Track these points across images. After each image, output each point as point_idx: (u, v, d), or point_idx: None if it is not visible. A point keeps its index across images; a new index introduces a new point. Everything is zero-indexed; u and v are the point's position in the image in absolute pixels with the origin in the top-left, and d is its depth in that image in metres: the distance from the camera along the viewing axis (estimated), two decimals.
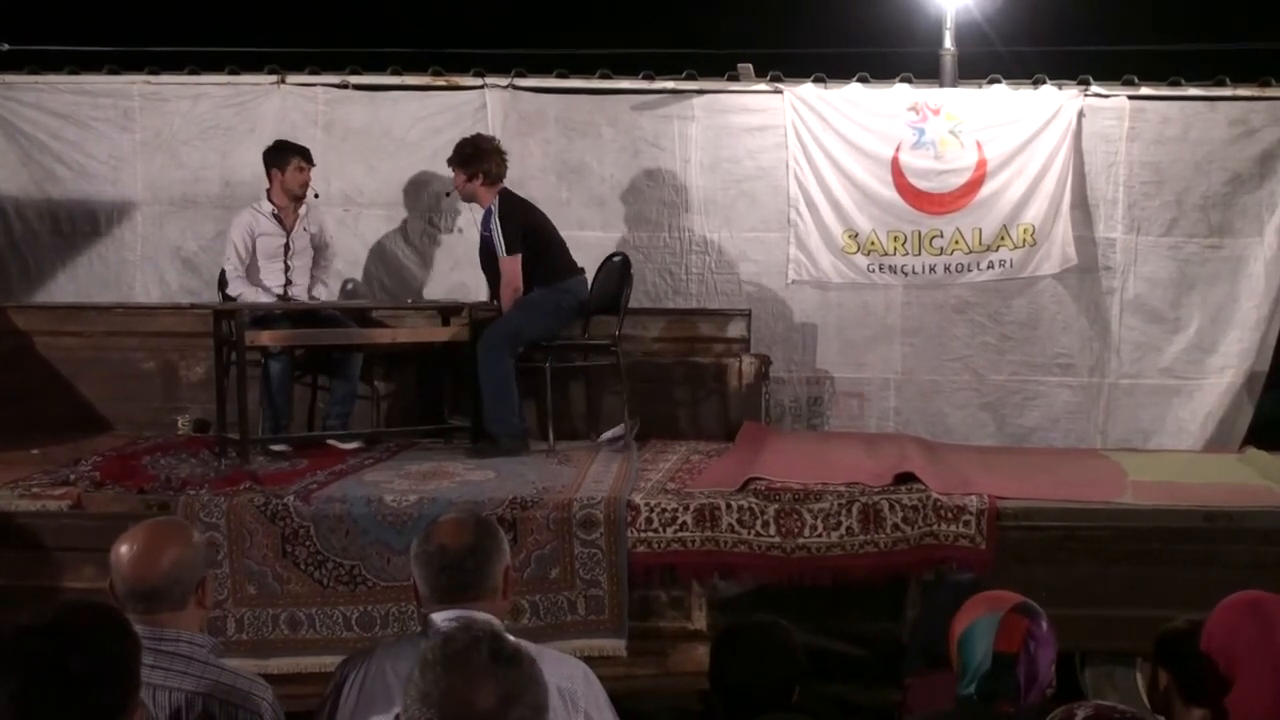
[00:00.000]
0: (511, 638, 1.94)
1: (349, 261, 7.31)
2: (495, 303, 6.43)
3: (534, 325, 6.04)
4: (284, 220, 6.32)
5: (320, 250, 6.52)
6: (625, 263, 6.49)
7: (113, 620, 2.05)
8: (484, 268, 6.38)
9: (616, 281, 6.40)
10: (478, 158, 6.15)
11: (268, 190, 6.35)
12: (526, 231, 6.11)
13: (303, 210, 6.39)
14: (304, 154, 6.35)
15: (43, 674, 1.89)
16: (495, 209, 6.09)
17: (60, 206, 7.39)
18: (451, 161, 6.23)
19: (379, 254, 7.41)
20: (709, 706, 3.32)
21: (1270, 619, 2.68)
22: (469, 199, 6.32)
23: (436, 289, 7.38)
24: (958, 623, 2.69)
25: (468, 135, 6.37)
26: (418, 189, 7.37)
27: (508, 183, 7.02)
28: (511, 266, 6.03)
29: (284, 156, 6.29)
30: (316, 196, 6.48)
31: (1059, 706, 2.19)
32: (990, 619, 2.64)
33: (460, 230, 7.38)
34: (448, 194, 6.47)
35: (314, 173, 6.81)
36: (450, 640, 1.87)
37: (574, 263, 6.27)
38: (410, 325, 6.65)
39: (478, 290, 7.29)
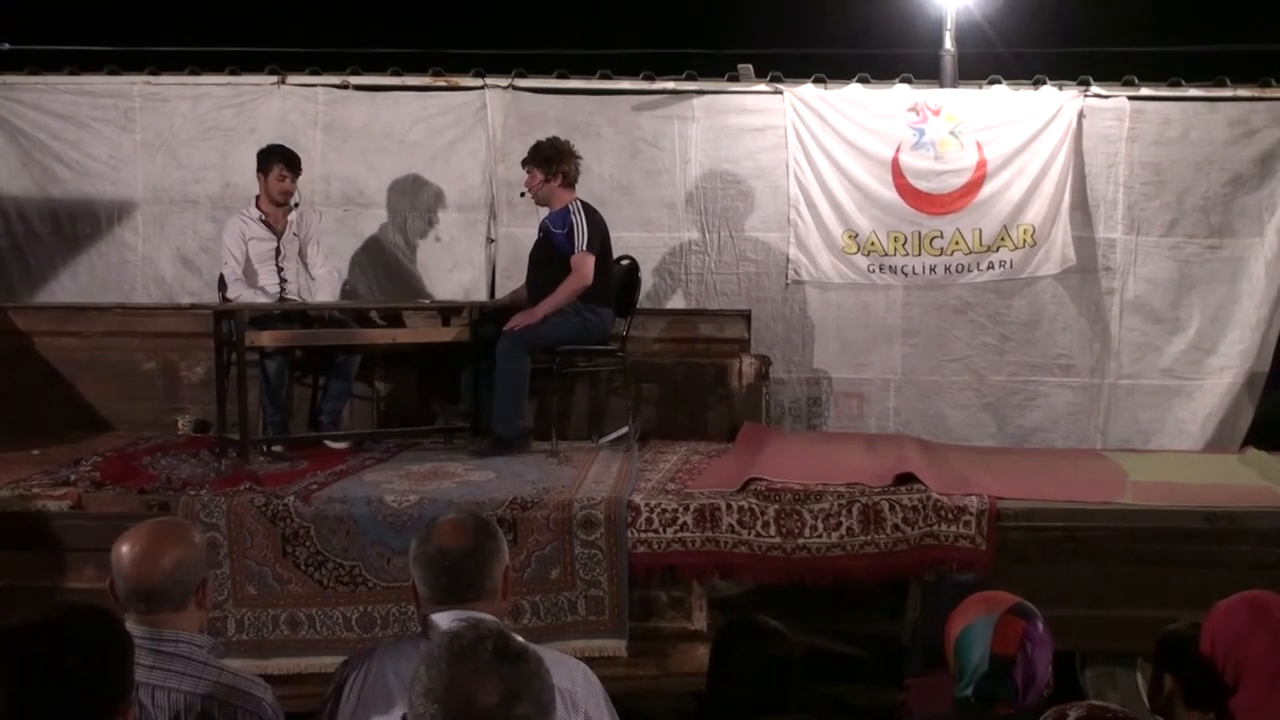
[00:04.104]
0: (518, 637, 1.94)
1: (348, 262, 7.32)
2: (492, 300, 6.41)
3: (559, 340, 6.03)
4: (273, 225, 6.31)
5: (305, 249, 6.47)
6: (634, 267, 6.49)
7: (105, 620, 2.06)
8: (534, 266, 6.27)
9: (624, 285, 6.39)
10: (558, 158, 6.11)
11: (257, 196, 6.34)
12: (602, 242, 6.10)
13: (293, 216, 6.38)
14: (288, 160, 6.30)
15: (36, 674, 1.91)
16: (579, 209, 6.05)
17: (61, 206, 7.39)
18: (529, 162, 6.16)
19: (379, 254, 7.41)
20: (705, 709, 3.32)
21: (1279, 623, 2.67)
22: (543, 201, 6.22)
23: (436, 289, 7.38)
24: (954, 625, 2.68)
25: (542, 138, 6.27)
26: (418, 189, 7.38)
27: (511, 183, 7.05)
28: (588, 263, 5.98)
29: (269, 162, 6.29)
30: (296, 205, 6.45)
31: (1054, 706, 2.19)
32: (986, 621, 2.63)
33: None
34: (522, 194, 6.39)
35: (314, 173, 6.82)
36: (456, 636, 1.87)
37: (612, 295, 6.24)
38: (410, 325, 6.65)
39: (476, 290, 7.32)
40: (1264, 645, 2.62)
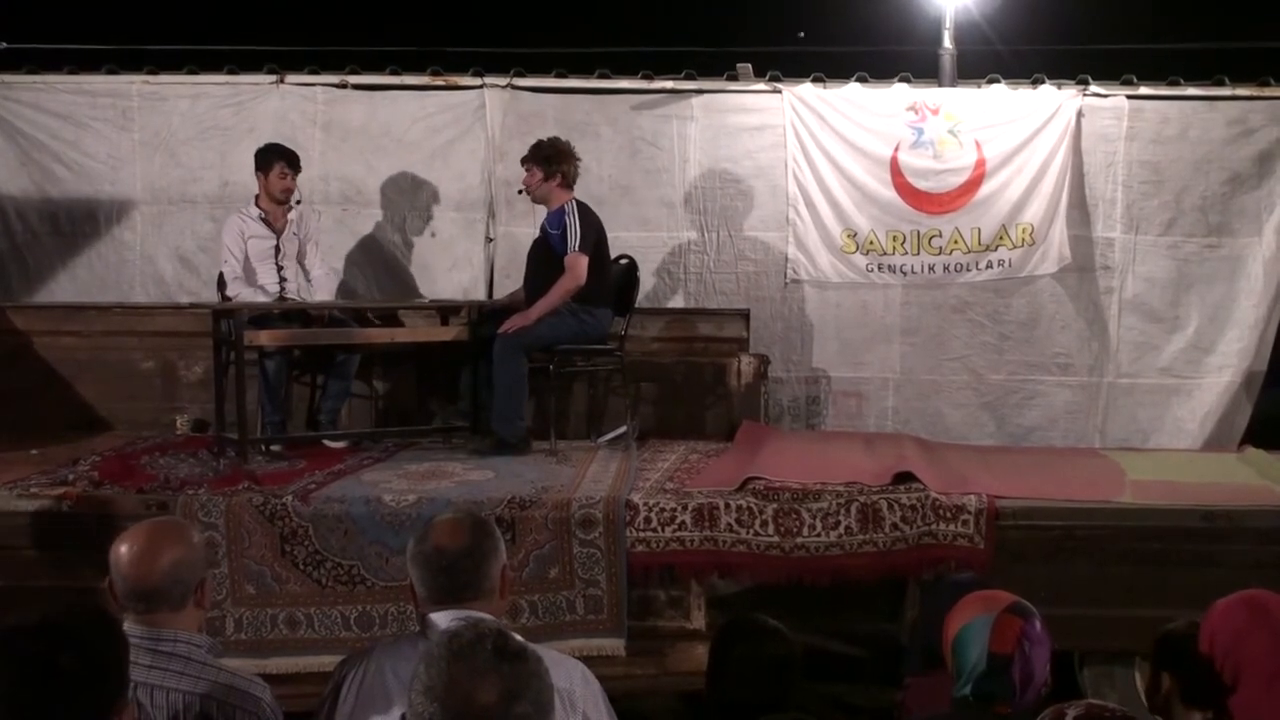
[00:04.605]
0: (518, 636, 1.94)
1: (347, 261, 7.32)
2: (491, 300, 6.41)
3: (555, 341, 6.03)
4: (272, 223, 6.31)
5: (304, 249, 6.46)
6: (632, 266, 6.49)
7: (101, 620, 2.07)
8: (532, 266, 6.28)
9: (623, 284, 6.39)
10: (559, 158, 6.11)
11: (256, 195, 6.34)
12: (597, 243, 6.11)
13: (292, 215, 6.37)
14: (289, 159, 6.31)
15: (32, 673, 1.91)
16: (573, 209, 6.05)
17: (59, 206, 7.39)
18: (529, 160, 6.15)
19: (378, 254, 7.41)
20: (705, 709, 3.31)
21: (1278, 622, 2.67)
22: (540, 199, 6.22)
23: (435, 288, 7.38)
24: (951, 624, 2.68)
25: (542, 138, 6.28)
26: (416, 189, 7.37)
27: (509, 183, 7.06)
28: (581, 263, 5.98)
29: (269, 160, 6.28)
30: (298, 203, 6.45)
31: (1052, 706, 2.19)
32: (984, 620, 2.63)
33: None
34: (520, 192, 6.39)
35: (313, 172, 6.81)
36: (456, 635, 1.88)
37: (610, 295, 6.24)
38: (409, 325, 6.65)
39: (475, 289, 7.31)
40: (1263, 644, 2.62)
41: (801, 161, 7.24)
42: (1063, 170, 7.11)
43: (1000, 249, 7.17)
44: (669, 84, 7.35)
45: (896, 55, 7.87)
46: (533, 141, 6.30)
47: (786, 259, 7.29)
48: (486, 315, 6.31)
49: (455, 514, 2.67)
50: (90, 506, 4.86)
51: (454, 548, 2.52)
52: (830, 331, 7.36)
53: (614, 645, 4.77)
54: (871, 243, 7.22)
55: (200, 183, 7.36)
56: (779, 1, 11.57)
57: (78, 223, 7.40)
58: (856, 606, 5.59)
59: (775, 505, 4.88)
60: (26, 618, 1.97)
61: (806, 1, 11.20)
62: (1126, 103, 7.16)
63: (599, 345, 6.23)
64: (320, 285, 6.49)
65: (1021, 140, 7.11)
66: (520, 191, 6.37)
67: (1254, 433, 7.06)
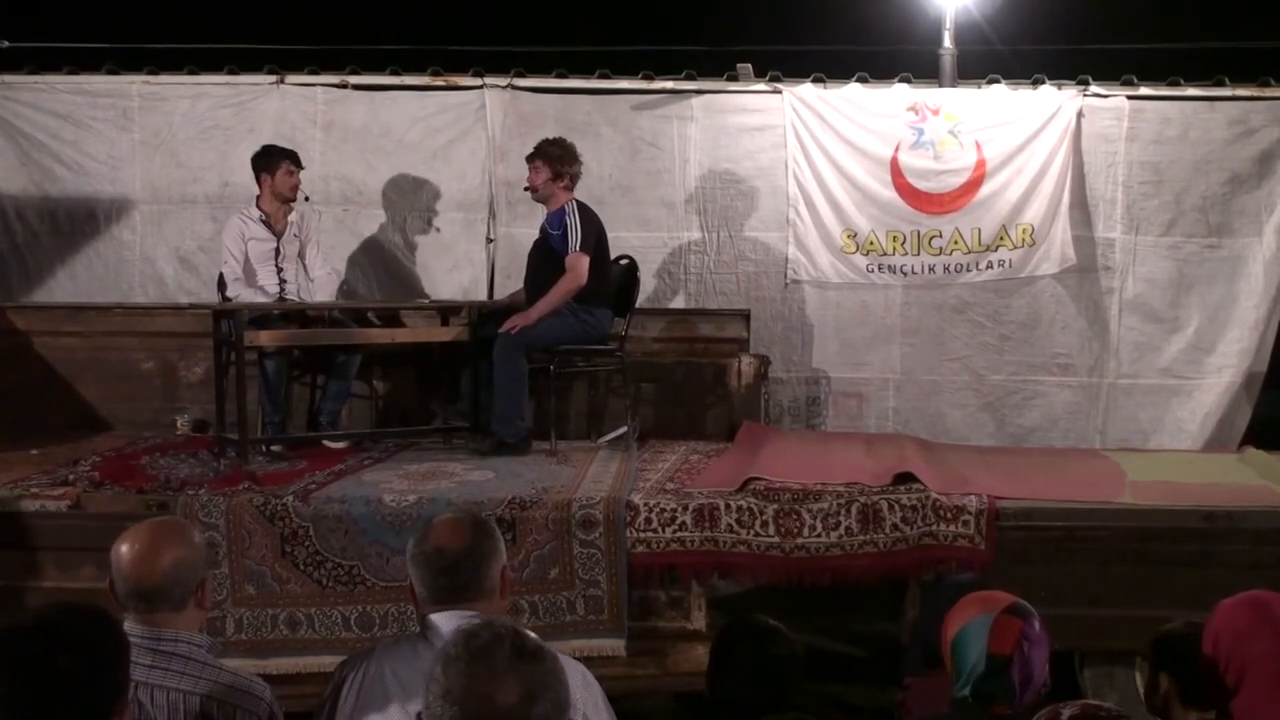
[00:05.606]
0: (533, 635, 1.93)
1: (348, 261, 7.32)
2: (491, 300, 6.41)
3: (556, 341, 6.04)
4: (273, 225, 6.31)
5: (304, 250, 6.46)
6: (632, 266, 6.49)
7: (100, 620, 2.06)
8: (533, 266, 6.29)
9: (623, 285, 6.39)
10: (568, 160, 6.13)
11: (257, 197, 6.33)
12: (597, 243, 6.12)
13: (293, 216, 6.37)
14: (293, 157, 6.31)
15: (31, 674, 1.91)
16: (574, 209, 6.06)
17: (59, 206, 7.39)
18: (538, 158, 6.14)
19: (378, 254, 7.41)
20: (706, 709, 3.31)
21: None
22: (544, 198, 6.21)
23: (436, 289, 7.38)
24: (950, 625, 2.69)
25: (547, 137, 6.29)
26: (417, 189, 7.38)
27: (510, 183, 7.05)
28: (582, 263, 5.99)
29: (273, 161, 6.28)
30: (307, 199, 6.45)
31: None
32: (983, 621, 2.63)
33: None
34: (526, 189, 6.36)
35: (313, 173, 6.81)
36: (473, 636, 1.85)
37: (610, 295, 6.25)
38: (410, 325, 6.65)
39: (475, 290, 7.31)
40: (1266, 646, 2.62)
41: (802, 162, 7.24)
42: (1063, 171, 7.11)
43: (1000, 249, 7.17)
44: (669, 84, 7.35)
45: (897, 55, 7.86)
46: (533, 141, 6.29)
47: (787, 259, 7.29)
48: (487, 316, 6.30)
49: (455, 514, 2.67)
50: (90, 506, 4.87)
51: (454, 548, 2.52)
52: (830, 332, 7.35)
53: (614, 646, 4.77)
54: (872, 243, 7.22)
55: (200, 183, 7.36)
56: (779, 1, 11.55)
57: (77, 222, 7.40)
58: (857, 607, 5.60)
59: (776, 506, 4.88)
60: (24, 618, 1.97)
61: (807, 1, 11.18)
62: (1127, 103, 7.16)
63: (599, 345, 6.23)
64: (322, 285, 6.49)
65: (1022, 141, 7.11)
66: (526, 189, 6.35)
67: (1254, 433, 7.05)
